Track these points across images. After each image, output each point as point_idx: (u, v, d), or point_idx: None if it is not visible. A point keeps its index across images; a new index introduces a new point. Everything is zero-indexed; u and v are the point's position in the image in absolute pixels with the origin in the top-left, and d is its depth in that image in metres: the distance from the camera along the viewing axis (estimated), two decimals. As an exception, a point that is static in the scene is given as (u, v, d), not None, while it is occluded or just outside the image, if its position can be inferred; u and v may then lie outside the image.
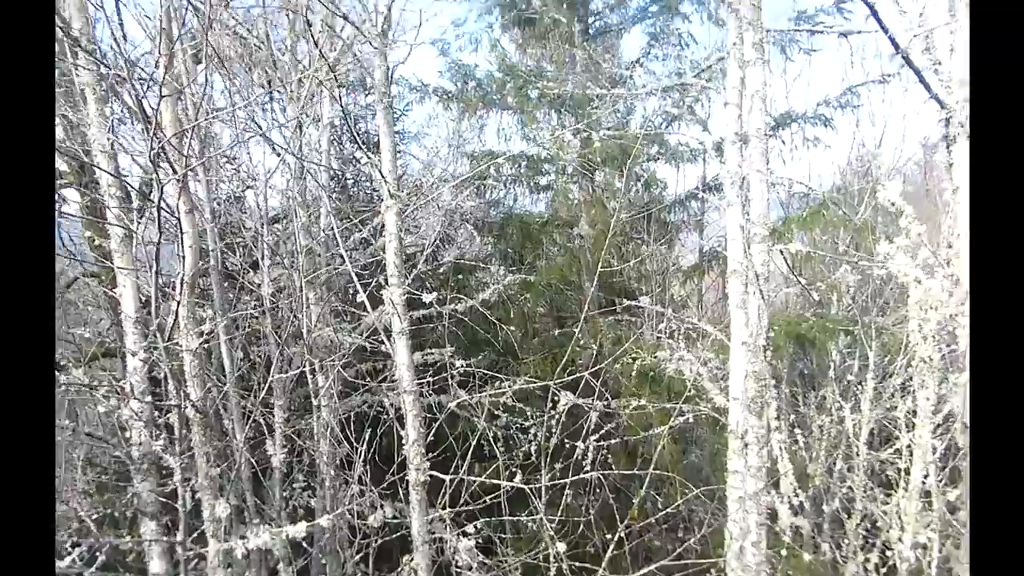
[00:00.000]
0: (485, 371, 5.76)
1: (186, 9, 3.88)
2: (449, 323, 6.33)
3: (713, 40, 9.09)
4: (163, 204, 3.74)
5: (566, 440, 5.23)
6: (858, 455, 5.21)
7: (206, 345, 4.08)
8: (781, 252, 4.70)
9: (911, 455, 4.15)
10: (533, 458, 5.32)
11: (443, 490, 4.75)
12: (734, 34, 3.99)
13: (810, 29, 7.13)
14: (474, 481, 4.83)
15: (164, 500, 4.33)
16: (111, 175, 4.01)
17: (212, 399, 4.21)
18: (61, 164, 6.57)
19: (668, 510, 5.44)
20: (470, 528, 4.72)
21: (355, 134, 4.82)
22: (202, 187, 5.04)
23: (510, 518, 5.15)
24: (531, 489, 4.88)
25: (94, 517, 4.06)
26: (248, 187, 6.38)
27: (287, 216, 6.08)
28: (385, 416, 5.41)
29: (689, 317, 6.92)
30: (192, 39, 4.69)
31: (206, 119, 4.61)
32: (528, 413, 5.93)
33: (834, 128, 7.85)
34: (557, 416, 5.22)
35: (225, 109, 5.35)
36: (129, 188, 5.04)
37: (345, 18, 4.40)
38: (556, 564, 4.78)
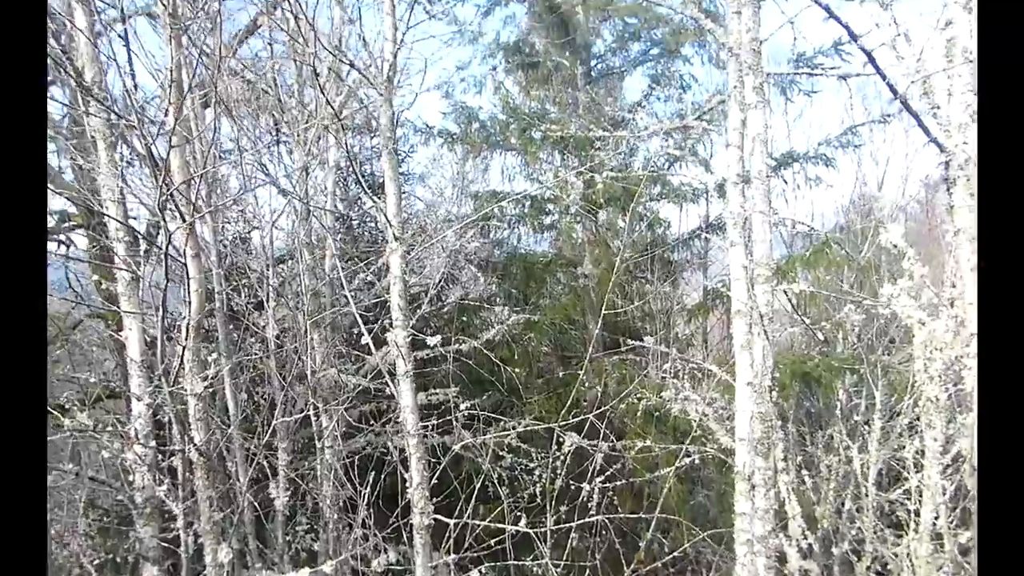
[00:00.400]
0: (490, 413, 5.73)
1: (197, 61, 3.96)
2: (453, 364, 6.33)
3: (714, 81, 9.23)
4: (170, 247, 3.77)
5: (571, 482, 5.19)
6: (867, 496, 5.14)
7: (211, 389, 4.09)
8: (785, 292, 4.70)
9: (921, 496, 4.10)
10: (538, 500, 5.27)
11: (447, 534, 4.70)
12: (734, 77, 4.05)
13: (809, 72, 7.22)
14: (479, 524, 4.78)
15: (166, 545, 4.30)
16: (119, 222, 4.06)
17: (216, 442, 4.19)
18: (70, 207, 6.66)
19: (675, 553, 5.37)
20: (475, 573, 4.66)
21: (360, 177, 4.87)
22: (208, 230, 5.09)
23: (515, 562, 5.08)
24: (536, 533, 4.83)
25: (95, 562, 4.04)
26: (254, 228, 6.44)
27: (292, 257, 6.13)
28: (389, 458, 5.38)
29: (694, 356, 6.90)
30: (201, 86, 4.78)
31: (214, 167, 4.67)
32: (533, 454, 5.89)
33: (836, 167, 7.92)
34: (562, 458, 5.18)
35: (232, 152, 5.42)
36: (137, 233, 5.10)
37: (352, 65, 4.48)
38: (562, 609, 4.71)
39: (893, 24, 3.13)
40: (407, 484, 4.51)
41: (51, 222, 6.94)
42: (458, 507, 4.77)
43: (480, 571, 4.69)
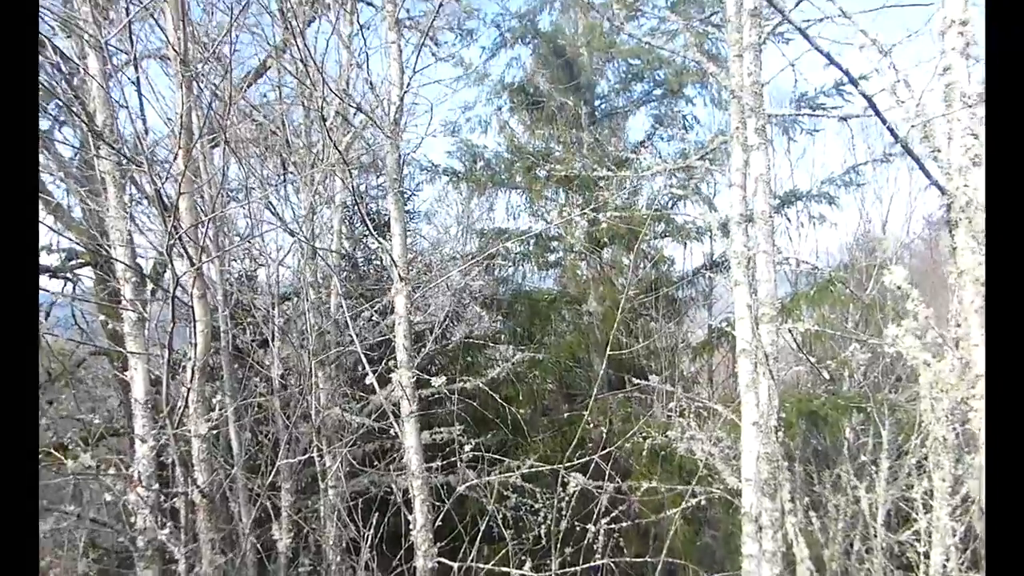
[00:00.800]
0: (495, 454, 5.70)
1: (208, 106, 4.03)
2: (458, 402, 6.31)
3: (717, 121, 9.34)
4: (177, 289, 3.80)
5: (576, 524, 5.13)
6: (876, 537, 5.07)
7: (215, 430, 4.08)
8: (790, 331, 4.70)
9: (930, 538, 4.04)
10: (543, 542, 5.20)
11: (451, 577, 4.64)
12: (736, 119, 4.10)
13: (811, 113, 7.30)
14: (483, 568, 4.72)
15: (167, 588, 4.25)
16: (127, 265, 4.09)
17: (219, 483, 4.17)
18: (76, 245, 6.71)
19: (682, 597, 5.29)
20: (479, 617, 4.59)
21: (366, 218, 4.91)
22: (215, 269, 5.12)
23: (520, 606, 5.00)
24: (541, 576, 4.76)
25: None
26: (260, 265, 6.48)
27: (298, 294, 6.15)
28: (393, 498, 5.33)
29: (699, 395, 6.86)
30: (210, 129, 4.85)
31: (223, 210, 4.72)
32: (537, 494, 5.84)
33: (839, 206, 7.96)
34: (567, 499, 5.13)
35: (239, 192, 5.48)
36: (144, 274, 5.13)
37: (359, 109, 4.55)
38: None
39: (892, 69, 3.18)
40: (411, 526, 4.47)
41: (58, 260, 7.00)
42: (462, 549, 4.71)
43: (485, 615, 4.62)
